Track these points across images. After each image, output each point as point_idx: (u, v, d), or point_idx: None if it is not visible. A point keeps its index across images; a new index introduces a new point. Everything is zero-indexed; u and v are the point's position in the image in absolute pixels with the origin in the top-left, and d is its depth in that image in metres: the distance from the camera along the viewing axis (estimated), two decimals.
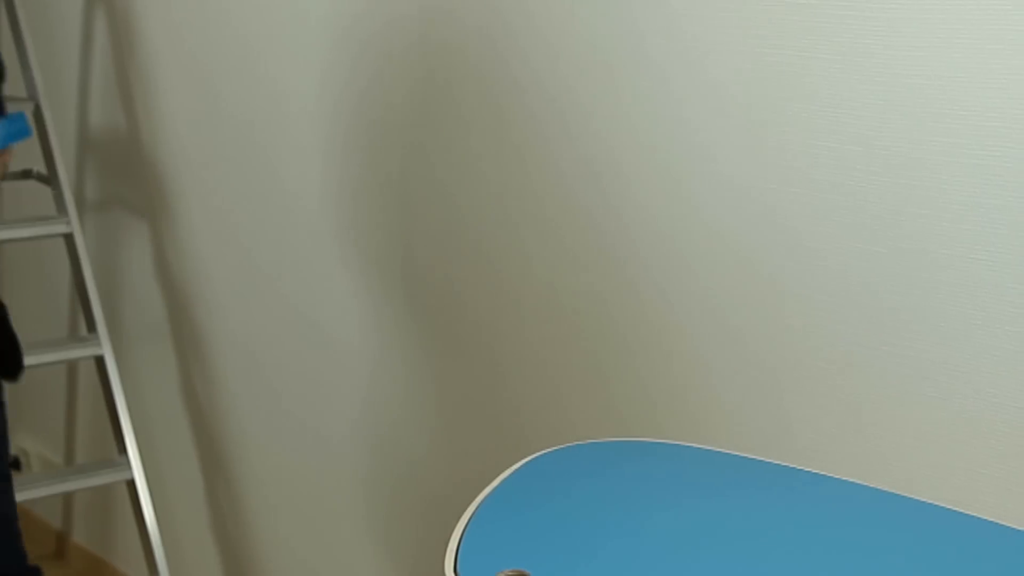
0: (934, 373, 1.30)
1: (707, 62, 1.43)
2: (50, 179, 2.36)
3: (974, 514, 0.98)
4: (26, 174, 2.45)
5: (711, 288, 1.48)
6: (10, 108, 1.72)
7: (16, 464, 2.32)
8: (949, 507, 0.99)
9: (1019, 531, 0.95)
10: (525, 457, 1.09)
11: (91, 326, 2.34)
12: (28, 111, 2.20)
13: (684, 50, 1.45)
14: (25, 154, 2.26)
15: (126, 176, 2.46)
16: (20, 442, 2.89)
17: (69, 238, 2.34)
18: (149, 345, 2.47)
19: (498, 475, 1.05)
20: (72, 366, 2.72)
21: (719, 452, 1.10)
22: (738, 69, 1.40)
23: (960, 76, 1.23)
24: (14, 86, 2.26)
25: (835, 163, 1.33)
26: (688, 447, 1.11)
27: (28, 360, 1.87)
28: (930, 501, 1.00)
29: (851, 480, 1.03)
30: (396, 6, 1.80)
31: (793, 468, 1.06)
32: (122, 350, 2.44)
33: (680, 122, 1.47)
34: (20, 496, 1.98)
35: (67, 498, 2.82)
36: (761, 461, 1.07)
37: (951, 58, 1.23)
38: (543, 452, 1.09)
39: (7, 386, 1.83)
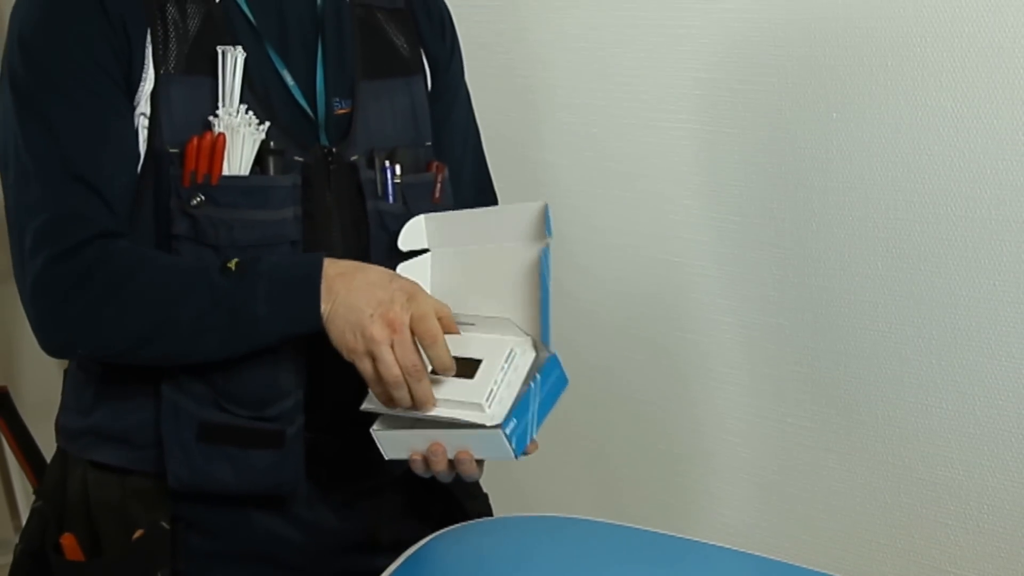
0: None
1: None
2: None
3: None
4: None
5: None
6: None
7: None
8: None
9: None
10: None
11: None
12: None
13: None
14: None
15: None
16: None
17: None
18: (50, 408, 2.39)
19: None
20: None
21: (611, 524, 1.13)
22: None
23: None
24: None
25: None
26: (580, 520, 1.15)
27: None
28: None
29: (730, 548, 1.08)
30: None
31: (686, 539, 1.10)
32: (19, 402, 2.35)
33: None
34: None
35: None
36: (652, 532, 1.11)
37: None
38: (442, 531, 1.12)
39: None
